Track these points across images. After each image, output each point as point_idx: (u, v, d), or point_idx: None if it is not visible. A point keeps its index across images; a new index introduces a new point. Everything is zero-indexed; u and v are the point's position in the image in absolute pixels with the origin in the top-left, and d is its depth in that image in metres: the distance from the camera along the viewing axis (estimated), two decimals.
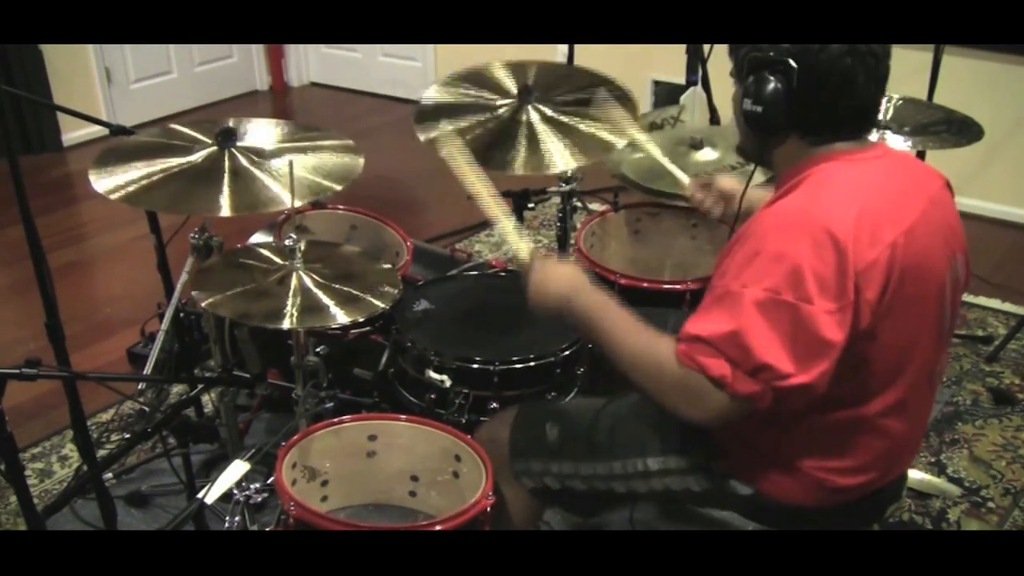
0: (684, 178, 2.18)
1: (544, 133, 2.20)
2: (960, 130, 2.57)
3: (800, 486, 1.54)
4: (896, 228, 1.38)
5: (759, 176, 1.69)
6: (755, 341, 1.34)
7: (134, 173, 1.90)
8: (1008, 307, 3.40)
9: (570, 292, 1.57)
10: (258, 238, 2.56)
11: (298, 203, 1.87)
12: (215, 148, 1.98)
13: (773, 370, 1.34)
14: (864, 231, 1.35)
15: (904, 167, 1.52)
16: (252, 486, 1.80)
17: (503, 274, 2.45)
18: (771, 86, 1.42)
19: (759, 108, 1.44)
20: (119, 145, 2.01)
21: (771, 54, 1.42)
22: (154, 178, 1.89)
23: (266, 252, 1.97)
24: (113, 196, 1.84)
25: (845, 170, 1.44)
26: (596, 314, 1.54)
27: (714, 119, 3.18)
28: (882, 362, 1.43)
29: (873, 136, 1.56)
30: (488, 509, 1.64)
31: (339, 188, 1.96)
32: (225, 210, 1.84)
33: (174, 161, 1.93)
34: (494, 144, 2.19)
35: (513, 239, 1.72)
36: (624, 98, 2.29)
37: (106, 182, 1.87)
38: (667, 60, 4.02)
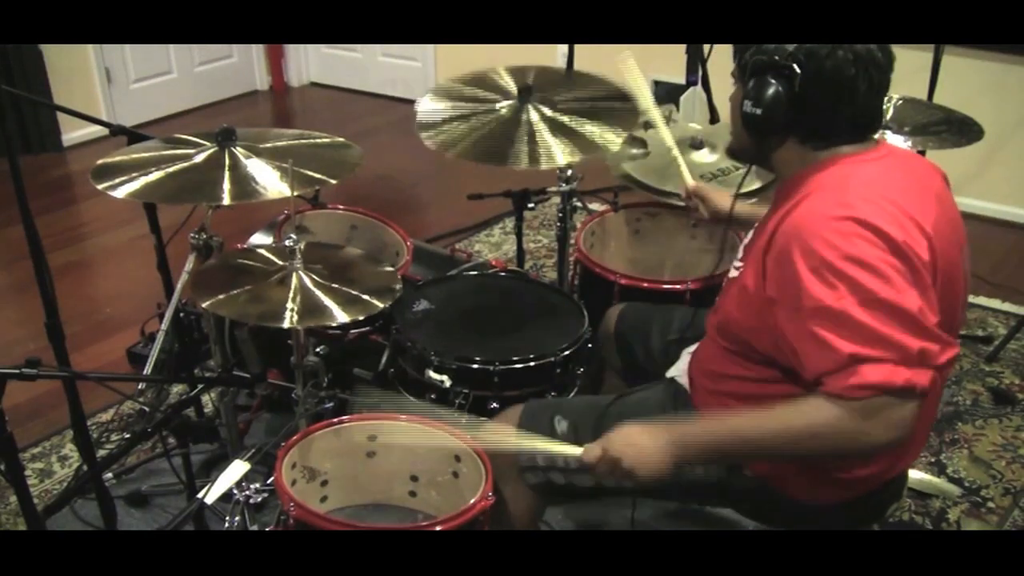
0: (688, 179, 2.19)
1: (544, 131, 2.20)
2: (960, 130, 2.57)
3: (809, 480, 1.54)
4: (926, 221, 1.40)
5: (753, 181, 1.70)
6: (897, 335, 1.30)
7: (136, 175, 1.90)
8: (1008, 307, 3.40)
9: (667, 439, 1.45)
10: (258, 238, 2.56)
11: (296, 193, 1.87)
12: (215, 148, 1.98)
13: (928, 351, 1.32)
14: (908, 222, 1.36)
15: (909, 164, 1.53)
16: (252, 486, 1.80)
17: (503, 274, 2.46)
18: (772, 90, 1.43)
19: (758, 110, 1.45)
20: (118, 159, 2.00)
21: (775, 58, 1.42)
22: (156, 176, 1.89)
23: (266, 253, 1.97)
24: (118, 194, 1.84)
25: (859, 169, 1.44)
26: (711, 435, 1.46)
27: (714, 119, 3.18)
28: None
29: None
30: (488, 509, 1.64)
31: (335, 181, 1.96)
32: (225, 198, 1.84)
33: (176, 165, 1.94)
34: (496, 142, 2.18)
35: (565, 450, 1.59)
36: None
37: (109, 183, 1.87)
38: (667, 60, 4.01)
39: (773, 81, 1.42)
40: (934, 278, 1.38)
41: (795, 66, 1.40)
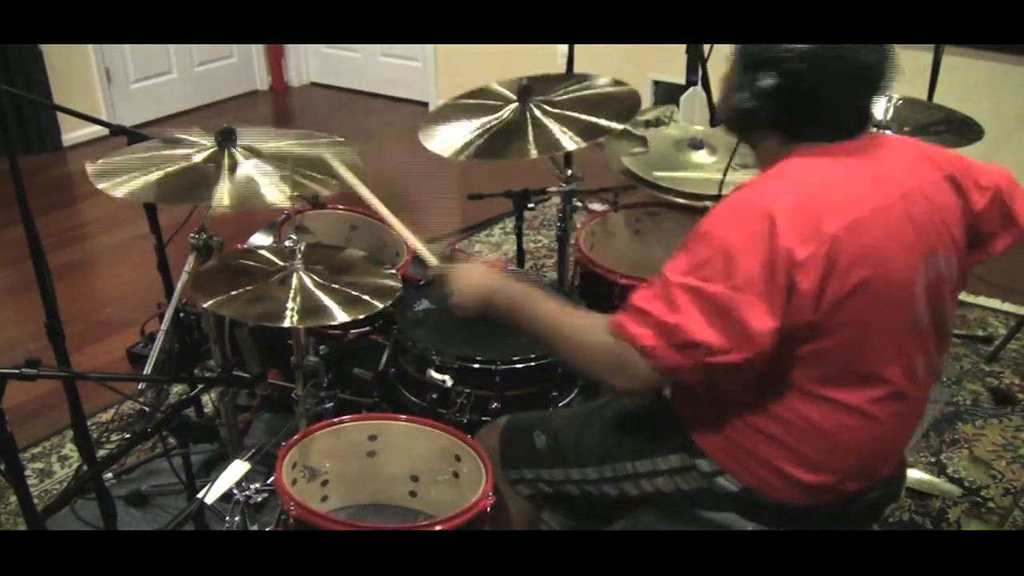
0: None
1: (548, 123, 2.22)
2: (960, 130, 2.57)
3: (777, 482, 1.54)
4: (840, 220, 1.37)
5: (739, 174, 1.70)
6: (684, 323, 1.36)
7: (135, 175, 1.90)
8: (1008, 307, 3.40)
9: (491, 289, 1.62)
10: (258, 238, 2.56)
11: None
12: (215, 148, 1.98)
13: (702, 347, 1.36)
14: (801, 223, 1.35)
15: (883, 158, 1.48)
16: (252, 486, 1.80)
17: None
18: (761, 86, 1.42)
19: (747, 104, 1.45)
20: (119, 159, 2.00)
21: (768, 55, 1.41)
22: (155, 176, 1.90)
23: (266, 253, 1.97)
24: (117, 193, 1.84)
25: (804, 164, 1.44)
26: (520, 303, 1.58)
27: (714, 120, 3.18)
28: (834, 359, 1.42)
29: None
30: (488, 509, 1.64)
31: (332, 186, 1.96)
32: (225, 199, 1.84)
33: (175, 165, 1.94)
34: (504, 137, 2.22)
35: (420, 248, 1.79)
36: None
37: (108, 183, 1.87)
38: (667, 60, 4.02)
39: (763, 77, 1.42)
40: (823, 278, 1.36)
41: (784, 64, 1.40)
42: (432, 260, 1.76)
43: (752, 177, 1.48)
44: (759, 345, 1.36)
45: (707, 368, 1.38)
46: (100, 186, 1.84)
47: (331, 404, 2.06)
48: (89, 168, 1.90)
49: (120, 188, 1.85)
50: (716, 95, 1.60)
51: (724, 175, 1.70)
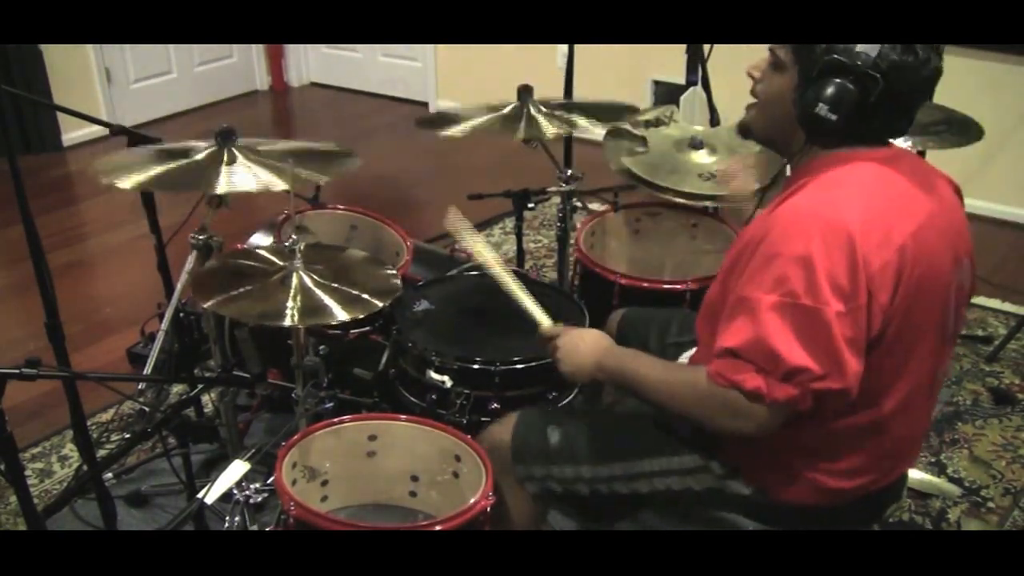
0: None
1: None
2: (960, 130, 2.57)
3: (797, 487, 1.54)
4: (904, 230, 1.38)
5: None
6: (780, 346, 1.34)
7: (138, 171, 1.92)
8: (1008, 307, 3.40)
9: (600, 354, 1.65)
10: (258, 238, 2.56)
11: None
12: (215, 147, 1.98)
13: (806, 371, 1.34)
14: (874, 233, 1.35)
15: (913, 169, 1.50)
16: (252, 486, 1.80)
17: None
18: (850, 96, 1.38)
19: (833, 116, 1.39)
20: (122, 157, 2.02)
21: (857, 63, 1.37)
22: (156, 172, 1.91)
23: (266, 253, 1.97)
24: (115, 182, 1.86)
25: (856, 171, 1.43)
26: (627, 366, 1.61)
27: (714, 119, 3.18)
28: (884, 366, 1.42)
29: None
30: (488, 509, 1.64)
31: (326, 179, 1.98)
32: (223, 187, 1.88)
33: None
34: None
35: (535, 313, 1.81)
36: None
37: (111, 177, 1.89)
38: (667, 60, 4.01)
39: (852, 88, 1.38)
40: (895, 288, 1.37)
41: (878, 76, 1.37)
42: (545, 322, 1.79)
43: (800, 187, 1.45)
44: (856, 359, 1.35)
45: (815, 395, 1.37)
46: (105, 181, 1.85)
47: (331, 404, 2.05)
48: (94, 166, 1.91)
49: (125, 181, 1.86)
50: (721, 104, 1.59)
51: (766, 189, 1.65)
